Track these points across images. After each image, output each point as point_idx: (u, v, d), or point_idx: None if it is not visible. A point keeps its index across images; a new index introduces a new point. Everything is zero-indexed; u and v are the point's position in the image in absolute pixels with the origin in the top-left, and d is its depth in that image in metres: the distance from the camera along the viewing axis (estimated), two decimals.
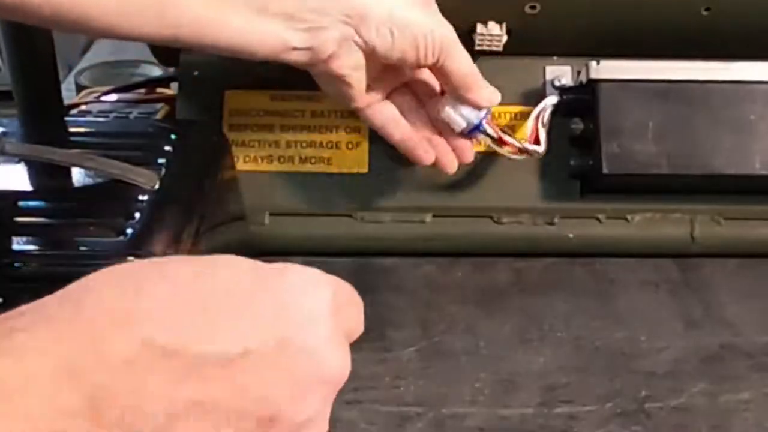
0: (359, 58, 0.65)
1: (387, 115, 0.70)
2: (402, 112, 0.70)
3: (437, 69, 0.67)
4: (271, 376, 0.35)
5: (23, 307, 0.34)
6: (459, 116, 0.69)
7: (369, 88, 0.68)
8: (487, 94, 0.68)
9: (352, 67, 0.65)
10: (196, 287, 0.35)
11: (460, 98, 0.68)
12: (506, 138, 0.70)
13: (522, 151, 0.70)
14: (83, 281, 0.35)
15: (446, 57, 0.65)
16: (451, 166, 0.71)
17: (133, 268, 0.36)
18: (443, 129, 0.71)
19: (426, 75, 0.71)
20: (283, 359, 0.35)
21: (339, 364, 0.37)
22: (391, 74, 0.69)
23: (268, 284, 0.37)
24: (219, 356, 0.33)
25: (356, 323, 0.40)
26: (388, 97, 0.70)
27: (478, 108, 0.69)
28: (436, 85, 0.71)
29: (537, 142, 0.71)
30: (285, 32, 0.62)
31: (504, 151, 0.70)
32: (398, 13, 0.64)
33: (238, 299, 0.35)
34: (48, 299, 0.34)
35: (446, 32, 0.65)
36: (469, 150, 0.71)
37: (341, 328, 0.38)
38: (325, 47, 0.63)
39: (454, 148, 0.71)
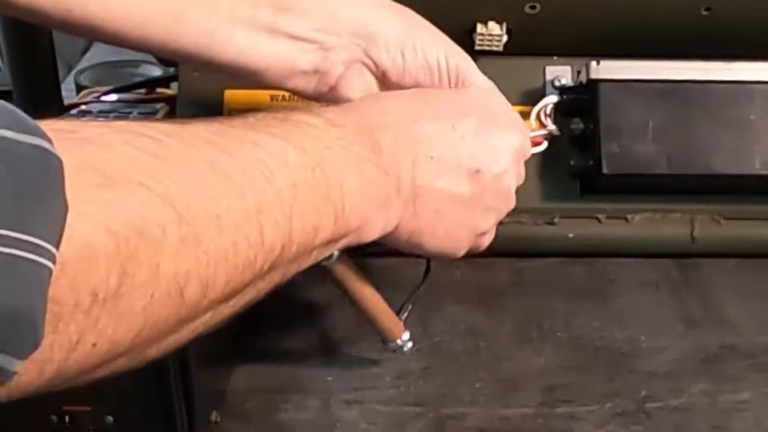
0: (370, 83, 0.62)
1: None
2: None
3: None
4: (475, 143, 0.57)
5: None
6: None
7: None
8: None
9: (361, 92, 0.62)
10: (435, 95, 0.59)
11: None
12: (533, 135, 0.68)
13: (546, 138, 0.70)
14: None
15: (464, 83, 0.62)
16: None
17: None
18: None
19: None
20: (482, 133, 0.57)
21: (518, 135, 0.60)
22: None
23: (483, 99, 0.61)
24: (447, 129, 0.56)
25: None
26: None
27: None
28: None
29: (544, 127, 0.72)
30: (293, 54, 0.60)
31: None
32: (409, 36, 0.61)
33: (464, 104, 0.59)
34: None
35: (461, 58, 0.63)
36: None
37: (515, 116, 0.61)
38: (333, 70, 0.61)
39: None
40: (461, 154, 0.56)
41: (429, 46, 0.62)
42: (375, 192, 0.51)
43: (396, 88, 0.62)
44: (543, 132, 0.70)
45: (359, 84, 0.61)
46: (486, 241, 0.61)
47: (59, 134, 0.34)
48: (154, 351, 0.40)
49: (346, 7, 0.61)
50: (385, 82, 0.62)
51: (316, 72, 0.61)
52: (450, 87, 0.62)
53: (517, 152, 0.60)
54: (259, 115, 0.48)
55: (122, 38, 0.58)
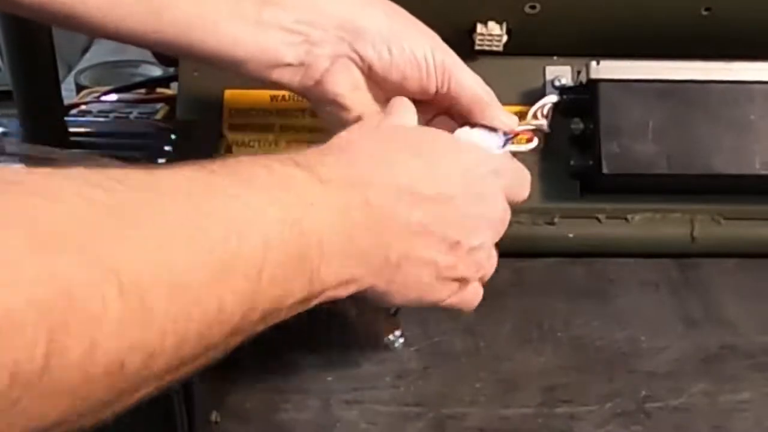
0: (356, 78, 0.62)
1: None
2: None
3: (447, 97, 0.63)
4: (460, 214, 0.54)
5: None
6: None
7: None
8: (506, 118, 0.65)
9: (348, 87, 0.62)
10: (428, 148, 0.55)
11: (477, 124, 0.64)
12: (518, 129, 0.67)
13: (534, 132, 0.69)
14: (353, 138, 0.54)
15: (452, 79, 0.62)
16: None
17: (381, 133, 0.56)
18: None
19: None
20: (470, 204, 0.55)
21: (501, 211, 0.57)
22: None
23: (470, 151, 0.58)
24: (433, 197, 0.52)
25: (519, 188, 0.59)
26: None
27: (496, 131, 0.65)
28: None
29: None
30: (278, 45, 0.60)
31: (520, 145, 0.68)
32: (396, 32, 0.61)
33: (452, 160, 0.55)
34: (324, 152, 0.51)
35: (448, 55, 0.63)
36: None
37: (506, 188, 0.57)
38: (318, 63, 0.61)
39: None
40: (447, 224, 0.54)
41: (416, 41, 0.61)
42: (355, 258, 0.49)
43: (383, 83, 0.62)
44: (530, 127, 0.68)
45: (345, 78, 0.61)
46: (468, 294, 0.59)
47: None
48: (88, 421, 0.36)
49: (333, 2, 0.60)
50: (371, 78, 0.62)
51: (301, 65, 0.60)
52: (437, 84, 0.62)
53: (498, 224, 0.58)
54: (246, 161, 0.46)
55: (102, 28, 0.57)
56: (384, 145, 0.54)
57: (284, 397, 0.64)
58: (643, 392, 0.64)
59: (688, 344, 0.69)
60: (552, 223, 0.77)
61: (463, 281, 0.57)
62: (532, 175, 0.76)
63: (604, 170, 0.72)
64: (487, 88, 0.64)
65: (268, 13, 0.59)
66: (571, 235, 0.77)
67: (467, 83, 0.63)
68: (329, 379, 0.65)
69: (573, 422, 0.61)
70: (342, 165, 0.50)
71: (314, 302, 0.48)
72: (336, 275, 0.47)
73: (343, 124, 0.63)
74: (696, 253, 0.78)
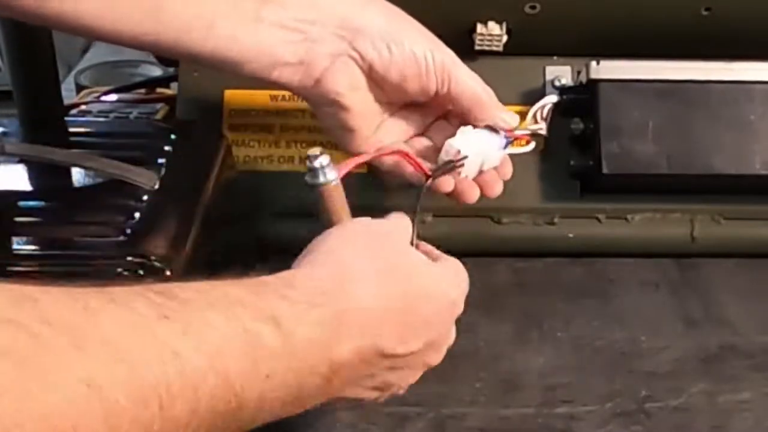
0: (356, 77, 0.61)
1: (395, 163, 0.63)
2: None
3: (447, 98, 0.63)
4: (415, 365, 0.53)
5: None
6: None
7: (383, 132, 0.64)
8: (508, 117, 0.63)
9: (347, 86, 0.61)
10: (403, 309, 0.51)
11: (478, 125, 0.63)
12: (518, 133, 0.68)
13: (532, 135, 0.68)
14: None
15: (451, 79, 0.61)
16: (472, 196, 0.64)
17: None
18: None
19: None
20: (427, 353, 0.53)
21: (438, 357, 0.55)
22: (407, 117, 0.65)
23: (444, 309, 0.54)
24: (391, 354, 0.50)
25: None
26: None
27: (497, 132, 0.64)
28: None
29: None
30: (277, 43, 0.59)
31: (518, 147, 0.68)
32: (396, 30, 0.60)
33: (422, 319, 0.52)
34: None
35: (447, 55, 0.62)
36: (498, 184, 0.66)
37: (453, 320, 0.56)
38: (318, 62, 0.60)
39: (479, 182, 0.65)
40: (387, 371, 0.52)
41: (416, 41, 0.61)
42: (300, 406, 0.47)
43: (382, 83, 0.61)
44: (526, 131, 0.68)
45: (345, 77, 0.60)
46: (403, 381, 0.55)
47: None
48: None
49: (333, 0, 0.60)
50: (372, 77, 0.61)
51: (300, 64, 0.60)
52: (437, 84, 0.61)
53: (424, 369, 0.55)
54: (221, 300, 0.42)
55: (97, 30, 0.56)
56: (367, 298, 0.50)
57: None
58: (643, 392, 0.64)
59: (688, 344, 0.69)
60: (552, 223, 0.77)
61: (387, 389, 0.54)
62: (532, 175, 0.76)
63: (604, 170, 0.72)
64: (488, 88, 0.63)
65: (268, 11, 0.58)
66: (571, 235, 0.77)
67: (467, 83, 0.62)
68: None
69: (573, 422, 0.61)
70: (318, 307, 0.46)
71: None
72: (269, 418, 0.45)
73: (342, 126, 0.63)
74: (696, 253, 0.78)
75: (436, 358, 0.55)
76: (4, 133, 0.69)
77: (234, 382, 0.41)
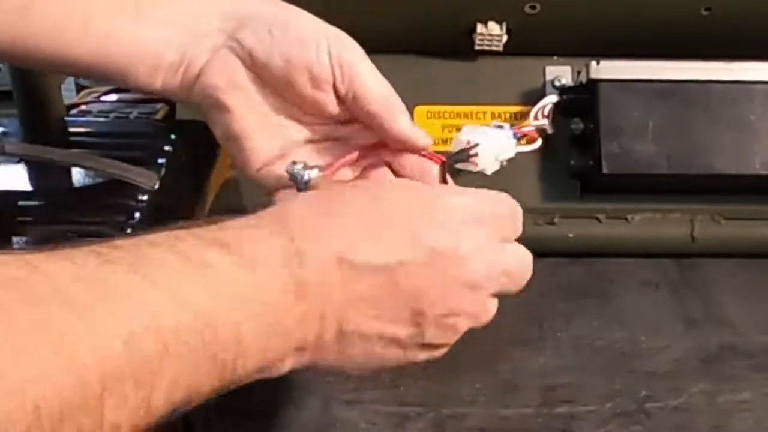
0: (236, 70, 0.54)
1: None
2: None
3: (352, 102, 0.54)
4: (420, 280, 0.46)
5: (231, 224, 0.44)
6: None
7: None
8: (422, 133, 0.55)
9: (226, 82, 0.54)
10: (369, 211, 0.47)
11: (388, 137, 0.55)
12: (525, 130, 0.68)
13: (539, 134, 0.69)
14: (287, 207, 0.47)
15: (354, 77, 0.53)
16: None
17: (320, 200, 0.48)
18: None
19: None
20: (432, 267, 0.47)
21: (483, 270, 0.49)
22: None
23: (426, 204, 0.49)
24: (381, 266, 0.46)
25: (510, 229, 0.52)
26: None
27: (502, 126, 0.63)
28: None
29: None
30: (158, 41, 0.53)
31: (524, 145, 0.69)
32: (281, 14, 0.54)
33: (399, 219, 0.47)
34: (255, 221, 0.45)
35: (349, 47, 0.54)
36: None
37: (493, 236, 0.50)
38: (198, 58, 0.54)
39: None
40: (401, 292, 0.47)
41: (303, 23, 0.54)
42: (284, 341, 0.44)
43: (265, 70, 0.53)
44: (531, 128, 0.69)
45: (223, 71, 0.54)
46: (438, 354, 0.51)
47: None
48: None
49: None
50: (255, 69, 0.54)
51: (182, 62, 0.54)
52: (336, 77, 0.53)
53: (483, 283, 0.49)
54: (161, 245, 0.40)
55: None
56: (323, 208, 0.47)
57: (284, 397, 0.64)
58: (643, 392, 0.64)
59: (688, 344, 0.69)
60: (552, 223, 0.77)
61: (436, 346, 0.50)
62: (532, 175, 0.76)
63: (604, 170, 0.72)
64: (397, 98, 0.55)
65: (147, 7, 0.53)
66: (571, 235, 0.77)
67: (375, 82, 0.54)
68: (329, 379, 0.65)
69: (573, 422, 0.61)
70: (273, 239, 0.44)
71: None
72: (257, 361, 0.42)
73: (228, 134, 0.55)
74: (696, 253, 0.78)
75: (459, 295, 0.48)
76: (4, 133, 0.69)
77: (198, 310, 0.39)
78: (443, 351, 0.50)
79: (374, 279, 0.46)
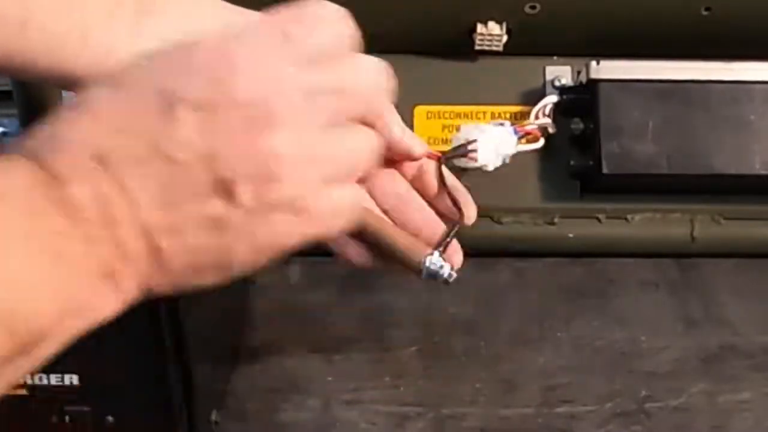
0: None
1: None
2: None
3: None
4: (218, 139, 0.40)
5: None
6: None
7: None
8: (417, 142, 0.56)
9: None
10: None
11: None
12: (528, 128, 0.68)
13: (542, 133, 0.69)
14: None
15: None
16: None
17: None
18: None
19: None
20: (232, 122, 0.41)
21: (252, 88, 0.42)
22: None
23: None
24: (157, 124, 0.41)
25: (328, 43, 0.46)
26: None
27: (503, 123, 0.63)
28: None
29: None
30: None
31: (527, 144, 0.68)
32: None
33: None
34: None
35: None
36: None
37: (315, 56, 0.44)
38: None
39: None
40: (196, 168, 0.40)
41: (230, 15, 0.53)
42: (77, 276, 0.38)
43: None
44: (534, 126, 0.69)
45: None
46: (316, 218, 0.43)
47: None
48: None
49: (214, 10, 0.55)
50: None
51: None
52: None
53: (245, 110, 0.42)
54: None
55: None
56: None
57: (284, 397, 0.64)
58: (643, 392, 0.64)
59: (688, 344, 0.69)
60: (552, 223, 0.77)
61: (295, 205, 0.41)
62: (532, 175, 0.76)
63: (604, 170, 0.72)
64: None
65: (147, 23, 0.53)
66: (571, 235, 0.77)
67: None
68: (329, 379, 0.65)
69: (573, 422, 0.61)
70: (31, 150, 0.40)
71: (43, 350, 0.37)
72: (51, 317, 0.37)
73: None
74: (696, 253, 0.78)
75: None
76: (4, 133, 0.69)
77: None
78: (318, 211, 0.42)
79: (156, 164, 0.39)
